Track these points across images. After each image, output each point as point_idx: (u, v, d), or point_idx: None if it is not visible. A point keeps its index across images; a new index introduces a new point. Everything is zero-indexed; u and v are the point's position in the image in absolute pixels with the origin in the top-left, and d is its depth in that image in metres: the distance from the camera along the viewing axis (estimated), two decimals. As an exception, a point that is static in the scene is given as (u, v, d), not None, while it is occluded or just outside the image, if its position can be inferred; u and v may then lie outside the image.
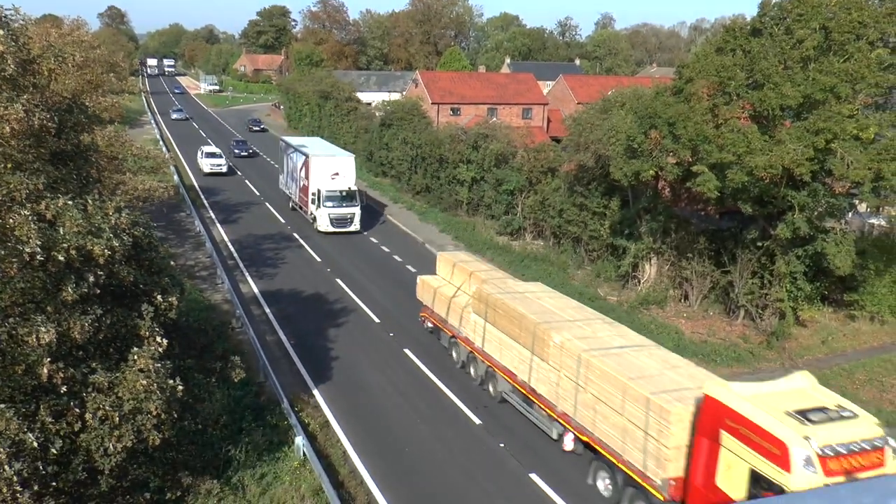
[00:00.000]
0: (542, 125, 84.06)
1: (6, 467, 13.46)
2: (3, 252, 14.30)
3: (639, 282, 41.42)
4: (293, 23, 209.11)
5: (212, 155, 73.34)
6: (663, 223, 39.75)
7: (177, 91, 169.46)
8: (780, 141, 30.47)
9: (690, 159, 33.52)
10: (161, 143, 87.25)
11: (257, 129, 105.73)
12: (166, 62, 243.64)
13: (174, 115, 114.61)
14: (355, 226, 52.29)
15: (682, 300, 39.76)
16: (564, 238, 47.05)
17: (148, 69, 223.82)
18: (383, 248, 49.32)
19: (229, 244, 49.06)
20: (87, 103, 24.22)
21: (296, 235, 51.38)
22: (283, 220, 55.35)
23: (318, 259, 46.35)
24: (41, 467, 14.52)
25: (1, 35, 16.89)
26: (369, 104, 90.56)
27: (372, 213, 59.26)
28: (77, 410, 15.66)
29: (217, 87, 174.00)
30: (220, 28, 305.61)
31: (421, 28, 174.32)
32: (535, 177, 50.28)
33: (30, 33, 21.30)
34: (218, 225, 53.77)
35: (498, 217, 52.78)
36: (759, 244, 35.45)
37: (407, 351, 33.18)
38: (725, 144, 31.25)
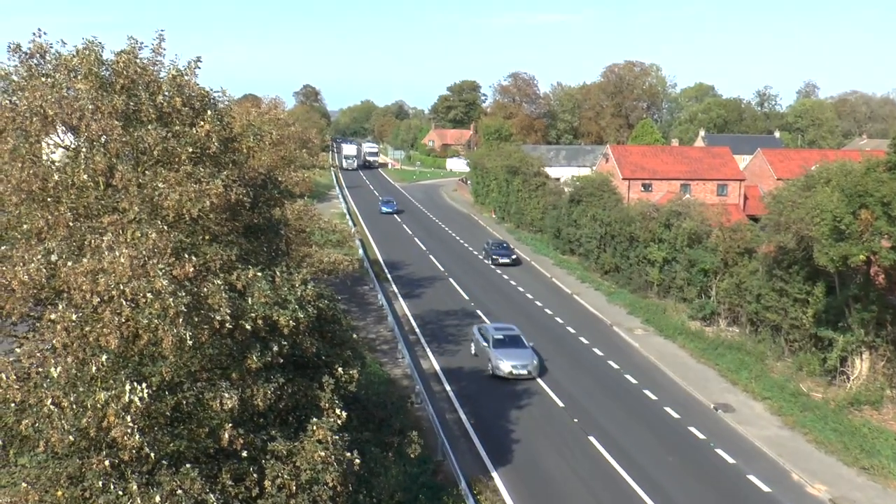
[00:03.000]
0: (739, 202, 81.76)
1: (189, 527, 14.47)
2: (196, 319, 15.57)
3: (848, 378, 38.95)
4: (483, 97, 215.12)
5: None
6: (877, 314, 37.37)
7: (386, 207, 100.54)
8: None
9: (909, 242, 31.64)
10: (348, 216, 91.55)
11: (507, 260, 68.54)
12: (367, 148, 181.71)
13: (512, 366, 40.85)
14: None
15: (901, 399, 37.01)
16: (762, 325, 45.17)
17: (345, 161, 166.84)
18: (569, 328, 49.19)
19: (411, 319, 50.51)
20: (279, 178, 26.07)
21: (479, 312, 52.20)
22: (466, 297, 56.44)
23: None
24: (221, 530, 15.48)
25: (209, 116, 18.69)
26: (558, 179, 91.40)
27: (557, 292, 59.36)
28: (256, 476, 16.64)
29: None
30: (409, 103, 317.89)
31: (612, 100, 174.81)
32: (731, 258, 48.87)
33: (233, 113, 23.33)
34: (400, 299, 55.56)
35: (690, 300, 51.52)
36: None
37: (592, 438, 32.76)
38: (949, 226, 29.34)
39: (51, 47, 19.28)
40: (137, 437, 14.47)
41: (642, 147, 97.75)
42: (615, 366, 42.40)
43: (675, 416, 35.78)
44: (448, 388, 38.18)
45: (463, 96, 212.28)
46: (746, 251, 48.43)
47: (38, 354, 15.55)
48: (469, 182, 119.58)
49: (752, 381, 39.85)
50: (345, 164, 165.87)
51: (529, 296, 57.29)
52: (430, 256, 71.59)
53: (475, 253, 73.72)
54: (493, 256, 68.97)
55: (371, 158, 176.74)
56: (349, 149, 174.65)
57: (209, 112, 18.97)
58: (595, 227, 63.79)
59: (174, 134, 18.13)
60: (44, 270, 16.10)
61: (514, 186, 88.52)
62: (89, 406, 14.82)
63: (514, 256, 69.03)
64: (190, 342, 15.17)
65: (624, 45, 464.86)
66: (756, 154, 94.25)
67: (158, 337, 15.13)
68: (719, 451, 31.76)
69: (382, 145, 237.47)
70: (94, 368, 15.17)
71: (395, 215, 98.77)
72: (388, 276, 62.97)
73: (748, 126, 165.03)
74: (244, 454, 16.57)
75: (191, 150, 17.99)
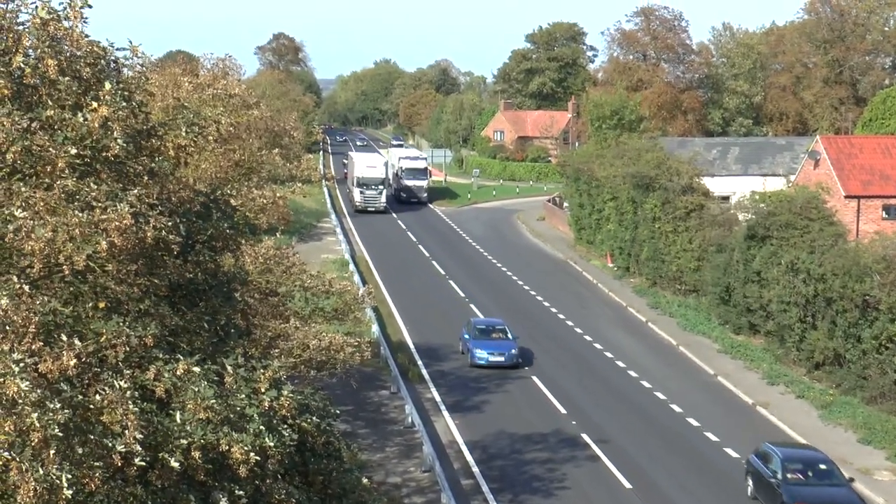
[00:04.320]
0: None
1: None
2: (80, 450, 15.46)
3: None
4: (590, 53, 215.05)
5: None
6: None
7: (486, 351, 66.61)
8: None
9: None
10: (352, 265, 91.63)
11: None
12: (405, 160, 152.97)
13: None
14: None
15: None
16: None
17: (360, 194, 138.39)
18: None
19: (464, 449, 50.27)
20: (233, 200, 26.16)
21: (585, 438, 51.79)
22: (562, 410, 56.02)
23: (626, 483, 46.39)
24: None
25: (107, 91, 18.70)
26: (726, 199, 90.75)
27: (729, 400, 58.77)
28: None
29: None
30: (458, 66, 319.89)
31: (825, 55, 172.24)
32: None
33: (151, 86, 23.40)
34: (445, 413, 55.35)
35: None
36: None
37: None
38: None
39: None
40: None
41: (882, 139, 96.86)
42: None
43: None
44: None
45: (554, 52, 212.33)
46: None
47: None
48: (566, 205, 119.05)
49: None
50: (359, 201, 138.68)
51: (677, 408, 56.69)
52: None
53: (579, 333, 73.41)
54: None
55: (414, 183, 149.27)
56: (367, 164, 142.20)
57: (108, 85, 19.03)
58: (796, 285, 63.03)
59: (44, 123, 18.21)
60: None
61: (647, 212, 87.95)
62: None
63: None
64: (68, 492, 15.09)
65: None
66: None
67: (10, 482, 15.08)
68: None
69: (414, 140, 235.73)
70: None
71: (432, 259, 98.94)
72: (424, 372, 62.78)
73: None
74: None
75: (74, 151, 18.03)
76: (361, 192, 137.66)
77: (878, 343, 56.60)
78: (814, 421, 54.92)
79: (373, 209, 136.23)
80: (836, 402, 56.91)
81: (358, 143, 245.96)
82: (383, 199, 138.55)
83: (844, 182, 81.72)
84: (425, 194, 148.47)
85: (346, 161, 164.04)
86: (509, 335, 66.16)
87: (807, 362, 62.44)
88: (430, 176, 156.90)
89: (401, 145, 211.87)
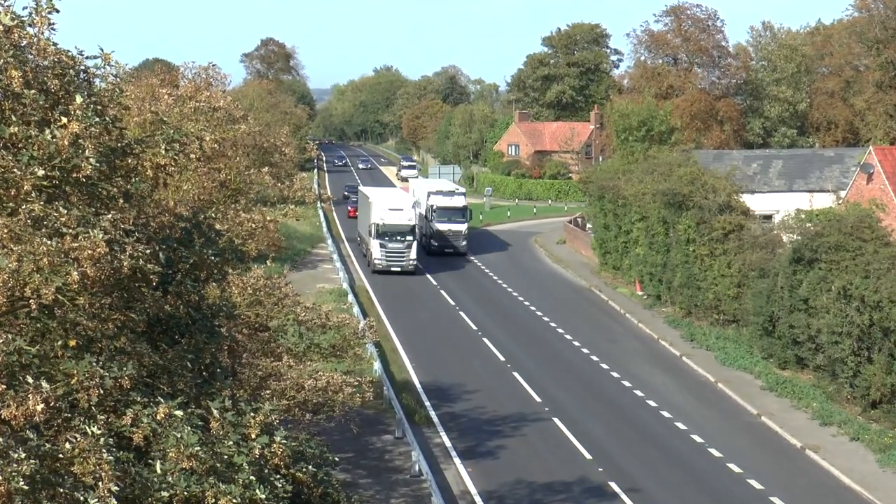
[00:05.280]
0: None
1: None
2: (50, 506, 15.50)
3: None
4: (615, 57, 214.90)
5: None
6: None
7: None
8: None
9: None
10: (351, 296, 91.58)
11: None
12: (437, 197, 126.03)
13: None
14: None
15: None
16: None
17: (380, 247, 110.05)
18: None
19: (477, 499, 50.34)
20: (217, 225, 26.18)
21: (613, 486, 51.69)
22: (587, 456, 55.95)
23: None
24: None
25: (78, 105, 18.70)
26: (768, 218, 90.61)
27: (772, 443, 58.66)
28: None
29: None
30: (468, 73, 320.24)
31: (878, 56, 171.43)
32: None
33: (126, 98, 23.41)
34: (455, 461, 55.24)
35: None
36: None
37: None
38: None
39: None
40: None
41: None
42: None
43: None
44: None
45: (574, 56, 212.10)
46: None
47: None
48: (589, 226, 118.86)
49: None
50: (378, 258, 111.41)
51: (716, 452, 56.58)
52: (515, 375, 71.18)
53: (606, 369, 73.31)
54: None
55: (449, 227, 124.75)
56: (389, 205, 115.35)
57: (78, 98, 19.03)
58: (849, 313, 62.85)
59: (7, 142, 18.22)
60: None
61: (681, 234, 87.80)
62: None
63: None
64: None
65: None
66: None
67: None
68: None
69: (419, 156, 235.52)
70: None
71: (440, 288, 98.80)
72: (432, 414, 62.68)
73: None
74: None
75: (41, 172, 18.03)
76: (382, 246, 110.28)
77: (941, 380, 56.54)
78: (871, 466, 54.71)
79: (398, 269, 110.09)
80: (895, 446, 56.69)
81: (360, 167, 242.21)
82: (413, 254, 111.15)
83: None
84: (464, 242, 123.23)
85: (346, 193, 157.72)
86: None
87: (862, 400, 62.16)
88: (471, 217, 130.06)
89: (413, 166, 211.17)
